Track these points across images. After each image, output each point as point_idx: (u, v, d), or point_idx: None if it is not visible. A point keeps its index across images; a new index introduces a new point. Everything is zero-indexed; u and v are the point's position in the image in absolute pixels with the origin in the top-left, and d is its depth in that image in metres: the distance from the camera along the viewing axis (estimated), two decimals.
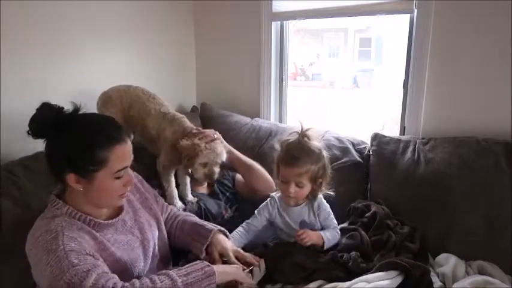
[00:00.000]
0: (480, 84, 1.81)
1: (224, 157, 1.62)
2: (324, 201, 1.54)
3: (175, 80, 2.46)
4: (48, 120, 1.10)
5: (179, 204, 1.69)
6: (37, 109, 1.12)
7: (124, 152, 1.15)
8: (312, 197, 1.52)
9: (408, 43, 1.98)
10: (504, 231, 1.56)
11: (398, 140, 1.87)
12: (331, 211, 1.54)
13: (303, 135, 1.49)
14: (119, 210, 1.26)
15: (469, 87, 1.84)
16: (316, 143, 1.49)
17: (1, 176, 1.43)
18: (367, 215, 1.61)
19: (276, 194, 1.59)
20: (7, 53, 1.58)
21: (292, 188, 1.46)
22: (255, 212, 1.59)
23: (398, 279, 1.30)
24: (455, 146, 1.73)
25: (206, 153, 1.55)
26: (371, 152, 1.90)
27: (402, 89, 2.03)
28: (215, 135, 1.66)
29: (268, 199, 1.60)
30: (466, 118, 1.85)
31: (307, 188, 1.48)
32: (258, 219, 1.57)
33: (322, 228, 1.53)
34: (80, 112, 1.15)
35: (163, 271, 1.13)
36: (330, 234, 1.49)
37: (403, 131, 2.04)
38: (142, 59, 2.22)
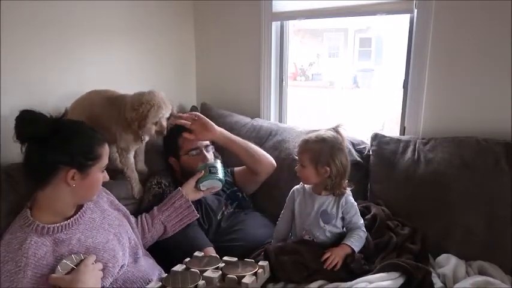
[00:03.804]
0: (480, 84, 1.81)
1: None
2: (351, 197, 1.52)
3: (175, 80, 2.46)
4: (42, 124, 1.19)
5: (137, 188, 1.73)
6: (23, 116, 1.20)
7: (108, 149, 1.31)
8: (329, 188, 1.49)
9: (408, 43, 1.97)
10: (504, 231, 1.56)
11: (398, 140, 1.87)
12: (357, 208, 1.53)
13: (333, 128, 1.54)
14: (77, 209, 1.33)
15: (469, 87, 1.84)
16: (333, 133, 1.50)
17: (0, 179, 1.42)
18: (367, 217, 1.61)
19: (299, 186, 1.60)
20: (7, 54, 1.58)
21: (298, 167, 1.52)
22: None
23: (400, 281, 1.30)
24: (455, 146, 1.73)
25: (154, 112, 1.59)
26: (371, 152, 1.90)
27: (402, 89, 2.03)
28: (195, 117, 1.76)
29: (291, 190, 1.61)
30: (466, 118, 1.85)
31: (309, 169, 1.48)
32: (286, 209, 1.61)
33: (347, 227, 1.51)
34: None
35: None
36: (355, 239, 1.46)
37: (403, 131, 2.04)
38: (143, 59, 2.22)
